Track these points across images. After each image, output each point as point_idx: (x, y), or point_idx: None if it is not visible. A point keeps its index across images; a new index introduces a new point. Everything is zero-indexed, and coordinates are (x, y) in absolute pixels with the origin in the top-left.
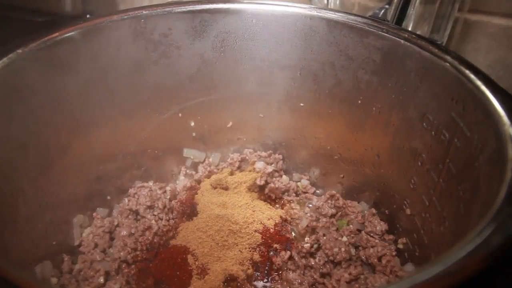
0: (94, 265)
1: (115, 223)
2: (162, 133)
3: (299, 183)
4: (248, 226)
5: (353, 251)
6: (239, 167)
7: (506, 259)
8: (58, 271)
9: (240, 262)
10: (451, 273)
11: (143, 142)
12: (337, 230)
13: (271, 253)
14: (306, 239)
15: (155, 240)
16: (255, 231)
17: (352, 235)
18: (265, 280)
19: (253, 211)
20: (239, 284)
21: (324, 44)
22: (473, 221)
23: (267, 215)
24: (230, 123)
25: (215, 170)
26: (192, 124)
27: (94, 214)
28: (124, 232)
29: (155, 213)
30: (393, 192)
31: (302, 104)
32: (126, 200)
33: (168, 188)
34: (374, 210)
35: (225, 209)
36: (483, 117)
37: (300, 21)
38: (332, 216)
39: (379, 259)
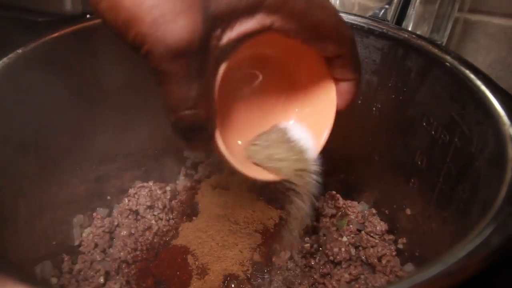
0: (94, 265)
1: (115, 223)
2: (162, 133)
3: None
4: (248, 226)
5: (353, 251)
6: None
7: (506, 259)
8: (58, 271)
9: (240, 262)
10: (451, 273)
11: (143, 142)
12: (337, 230)
13: (271, 253)
14: (306, 239)
15: (155, 240)
16: (255, 231)
17: (352, 235)
18: (265, 280)
19: (253, 211)
20: (239, 284)
21: None
22: (473, 221)
23: (267, 215)
24: None
25: (215, 170)
26: None
27: (94, 214)
28: (124, 232)
29: (155, 213)
30: (393, 192)
31: None
32: (126, 200)
33: (168, 188)
34: (374, 210)
35: (225, 209)
36: (483, 117)
37: None
38: (332, 216)
39: (379, 259)
